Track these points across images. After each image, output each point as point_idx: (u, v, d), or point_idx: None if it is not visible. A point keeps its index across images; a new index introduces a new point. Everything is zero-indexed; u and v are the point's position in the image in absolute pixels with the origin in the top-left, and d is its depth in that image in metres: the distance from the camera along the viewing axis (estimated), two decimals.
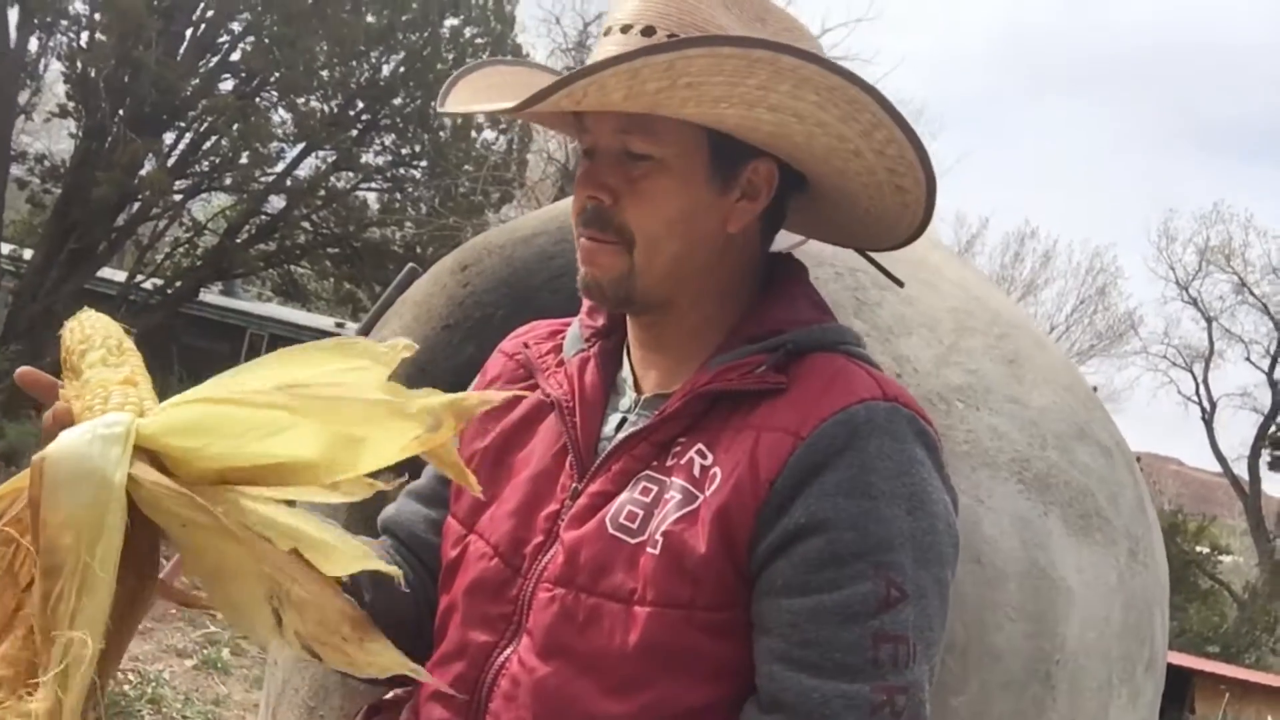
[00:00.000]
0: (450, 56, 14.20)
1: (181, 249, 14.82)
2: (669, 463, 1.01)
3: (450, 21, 14.37)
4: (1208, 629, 20.12)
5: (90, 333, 0.95)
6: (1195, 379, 27.92)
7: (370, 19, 13.60)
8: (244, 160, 13.51)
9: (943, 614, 0.97)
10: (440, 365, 2.31)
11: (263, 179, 13.95)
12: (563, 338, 1.19)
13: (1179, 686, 15.79)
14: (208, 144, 13.82)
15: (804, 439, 0.96)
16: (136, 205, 13.41)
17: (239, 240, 14.26)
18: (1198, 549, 21.62)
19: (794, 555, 0.94)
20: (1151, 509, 2.23)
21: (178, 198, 13.83)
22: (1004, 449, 1.89)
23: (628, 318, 1.13)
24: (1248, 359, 27.16)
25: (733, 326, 1.08)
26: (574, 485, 1.05)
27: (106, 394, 0.88)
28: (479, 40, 14.50)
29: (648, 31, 1.02)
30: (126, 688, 4.35)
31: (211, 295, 17.04)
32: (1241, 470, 25.96)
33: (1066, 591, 1.86)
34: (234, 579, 0.85)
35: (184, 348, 15.55)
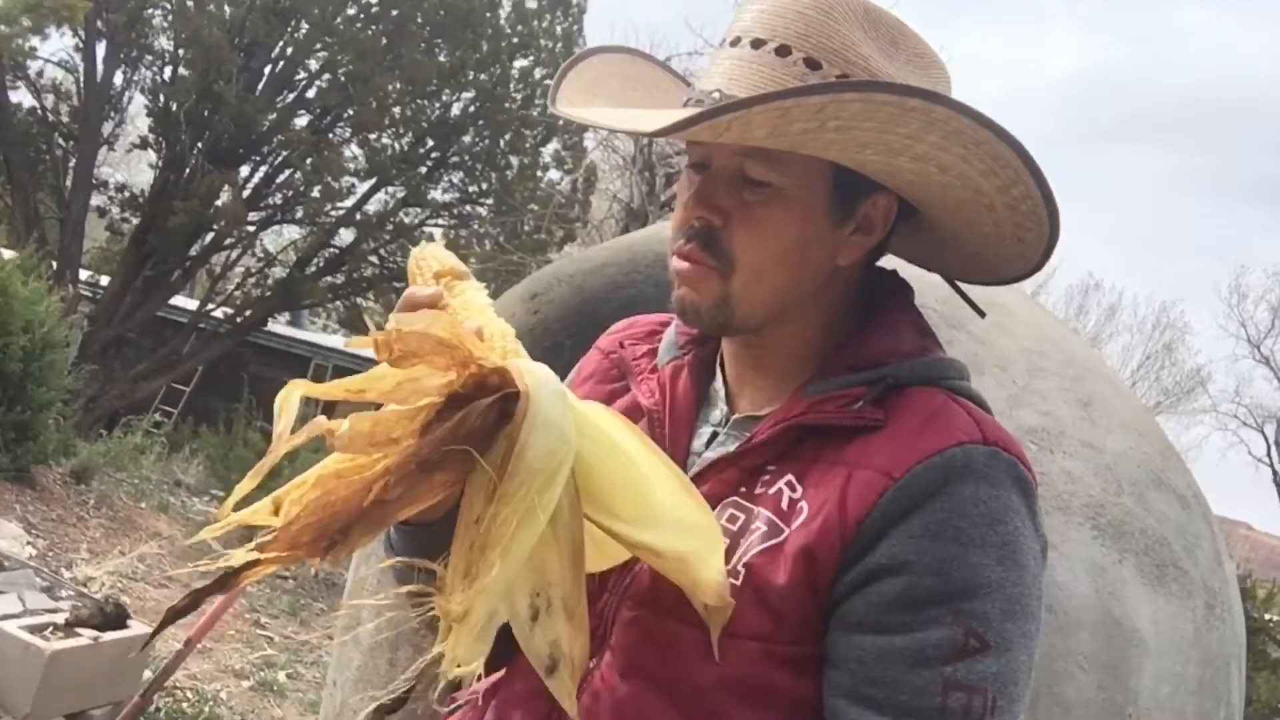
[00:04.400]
0: (519, 96, 14.43)
1: (252, 279, 15.11)
2: (757, 491, 0.99)
3: (520, 62, 14.60)
4: (1277, 699, 19.40)
5: (458, 263, 1.02)
6: (1267, 440, 27.17)
7: (442, 58, 13.86)
8: (316, 194, 13.80)
9: (1029, 668, 0.93)
10: None
11: (333, 212, 14.22)
12: (659, 339, 1.16)
13: None
14: (281, 177, 14.15)
15: (896, 480, 0.92)
16: (211, 235, 13.73)
17: (308, 272, 14.52)
18: (1267, 617, 20.92)
19: (870, 594, 0.92)
20: (1229, 563, 2.17)
21: (251, 229, 14.14)
22: (1078, 493, 1.85)
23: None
24: None
25: (832, 352, 1.04)
26: None
27: (507, 334, 0.94)
28: (548, 82, 14.68)
29: (782, 51, 0.97)
30: (185, 705, 4.38)
31: (279, 325, 17.33)
32: None
33: (1140, 643, 1.80)
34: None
35: (251, 376, 15.84)
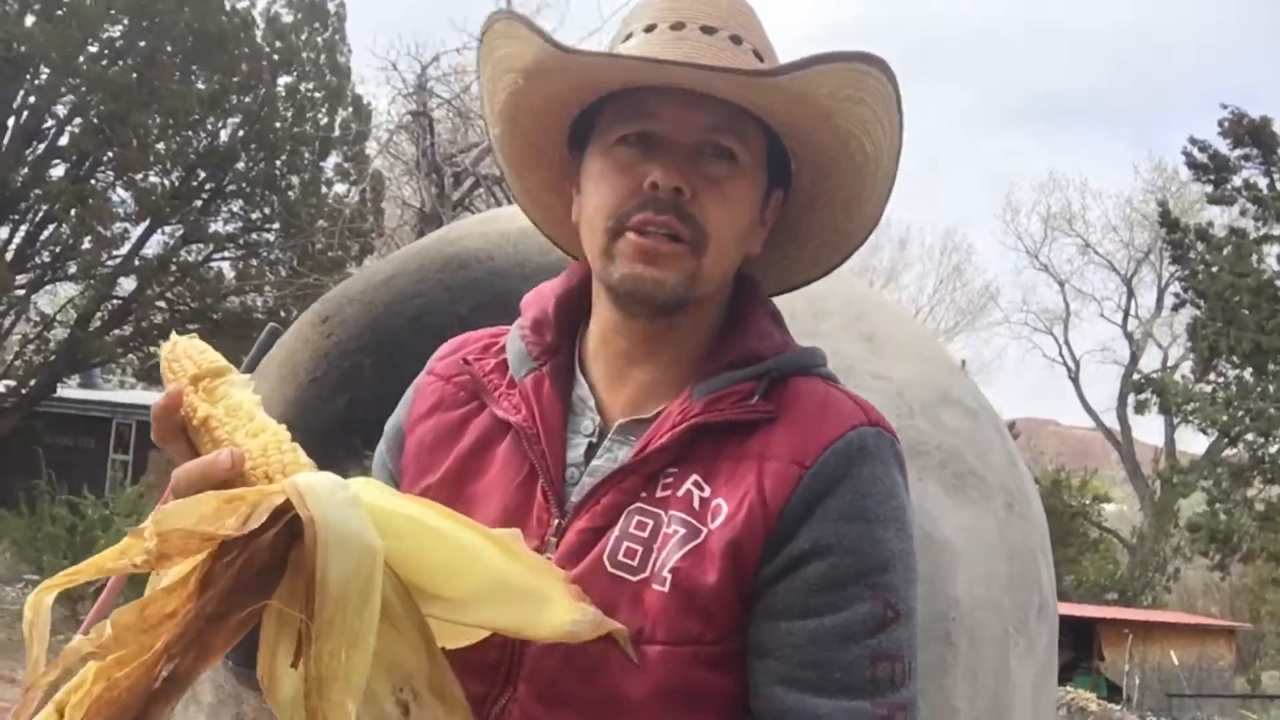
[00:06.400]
0: (289, 114, 14.00)
1: (32, 345, 14.23)
2: (660, 495, 0.99)
3: (284, 79, 14.17)
4: (1103, 577, 20.90)
5: (216, 358, 0.95)
6: (1057, 341, 29.23)
7: (201, 86, 13.31)
8: (86, 245, 13.09)
9: (918, 626, 1.00)
10: (311, 421, 2.26)
11: (109, 262, 13.52)
12: (499, 351, 1.11)
13: (1086, 636, 16.38)
14: (46, 233, 13.35)
15: (808, 467, 0.96)
16: None
17: (92, 329, 13.75)
18: (1083, 502, 22.48)
19: (796, 579, 0.95)
20: (1021, 462, 2.33)
21: (21, 293, 13.28)
22: None
23: (611, 328, 1.06)
24: (1102, 315, 28.63)
25: (708, 350, 1.05)
26: (555, 520, 1.00)
27: (281, 441, 0.88)
28: (316, 95, 14.32)
29: (736, 39, 1.02)
30: None
31: (70, 389, 16.37)
32: (1112, 421, 27.21)
33: (952, 552, 1.93)
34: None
35: (49, 448, 14.88)
